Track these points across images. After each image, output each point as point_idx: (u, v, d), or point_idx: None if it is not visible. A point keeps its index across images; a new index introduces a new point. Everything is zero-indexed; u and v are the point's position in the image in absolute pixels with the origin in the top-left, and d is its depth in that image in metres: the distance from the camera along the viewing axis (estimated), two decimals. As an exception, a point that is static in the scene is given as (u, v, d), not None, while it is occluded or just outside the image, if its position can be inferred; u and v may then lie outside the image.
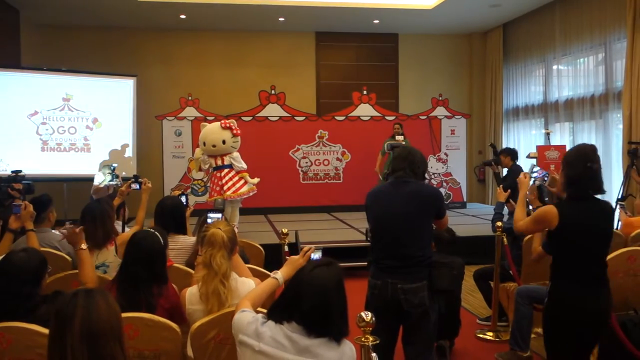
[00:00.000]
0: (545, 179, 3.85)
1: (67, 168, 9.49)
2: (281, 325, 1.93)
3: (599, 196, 2.83)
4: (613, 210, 3.06)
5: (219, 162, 6.94)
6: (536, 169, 3.92)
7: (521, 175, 3.51)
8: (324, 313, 1.91)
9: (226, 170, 6.91)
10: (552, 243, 2.90)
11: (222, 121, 7.05)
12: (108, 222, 3.55)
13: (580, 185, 2.78)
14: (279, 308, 2.00)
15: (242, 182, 6.85)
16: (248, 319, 2.02)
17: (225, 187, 6.73)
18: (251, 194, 7.00)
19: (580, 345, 2.80)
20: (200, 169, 7.53)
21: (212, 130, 6.95)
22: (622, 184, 7.40)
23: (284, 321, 1.93)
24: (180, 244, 3.56)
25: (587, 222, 2.76)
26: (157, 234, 2.75)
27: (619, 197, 7.37)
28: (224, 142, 6.86)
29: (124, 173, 9.68)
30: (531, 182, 3.75)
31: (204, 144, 6.95)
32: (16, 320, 2.28)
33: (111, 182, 5.66)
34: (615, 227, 5.27)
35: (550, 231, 2.82)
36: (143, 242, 2.66)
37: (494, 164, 6.66)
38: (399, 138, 8.39)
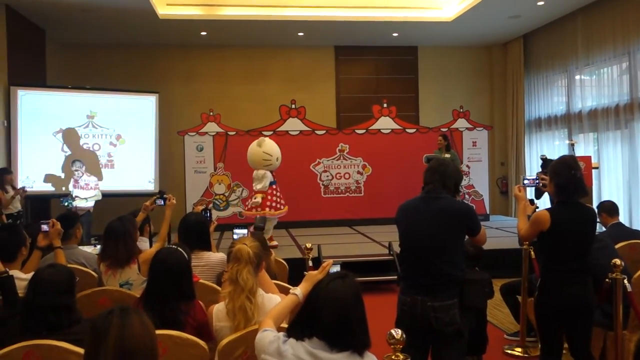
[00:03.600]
0: (536, 181, 3.98)
1: (91, 184, 9.60)
2: (302, 342, 1.91)
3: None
4: (595, 215, 3.29)
5: (273, 177, 7.36)
6: (528, 177, 4.00)
7: (516, 189, 3.61)
8: (343, 326, 1.89)
9: (274, 187, 7.31)
10: (542, 242, 3.21)
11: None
12: (130, 241, 3.54)
13: (567, 191, 3.15)
14: (298, 325, 1.98)
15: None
16: (269, 338, 2.00)
17: (279, 203, 7.24)
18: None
19: (567, 330, 3.17)
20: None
21: (277, 148, 7.37)
22: None
23: (305, 337, 1.91)
24: (205, 261, 3.56)
25: (573, 225, 3.11)
26: (181, 250, 2.75)
27: None
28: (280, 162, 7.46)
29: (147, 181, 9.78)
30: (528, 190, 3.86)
31: (277, 159, 7.31)
32: (59, 335, 2.30)
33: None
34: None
35: (542, 231, 3.13)
36: (168, 259, 2.66)
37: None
38: (436, 153, 8.65)
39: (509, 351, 4.56)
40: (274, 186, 7.35)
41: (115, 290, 3.25)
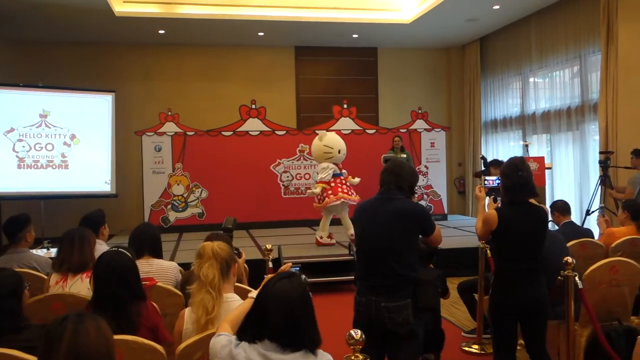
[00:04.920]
0: (497, 182, 4.02)
1: (44, 185, 9.34)
2: (255, 345, 1.89)
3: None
4: (545, 214, 3.34)
5: (339, 169, 7.50)
6: (488, 178, 4.07)
7: (476, 190, 3.70)
8: (292, 325, 1.88)
9: (342, 178, 7.44)
10: (494, 241, 3.32)
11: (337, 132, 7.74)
12: (86, 248, 3.42)
13: (514, 191, 3.21)
14: (249, 328, 1.96)
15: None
16: (222, 342, 1.98)
17: (351, 191, 7.38)
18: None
19: (522, 327, 3.24)
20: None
21: (342, 141, 7.56)
22: (593, 194, 7.42)
23: (256, 340, 1.89)
24: (157, 266, 3.50)
25: (521, 224, 3.17)
26: (124, 250, 2.72)
27: (588, 208, 7.36)
28: (344, 154, 7.63)
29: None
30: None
31: (339, 151, 7.43)
32: (6, 341, 2.21)
33: None
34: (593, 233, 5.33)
35: (492, 231, 3.23)
36: (113, 262, 2.63)
37: (483, 176, 6.73)
38: (390, 154, 8.73)
39: (466, 348, 4.65)
40: (341, 177, 7.48)
41: (68, 295, 3.14)
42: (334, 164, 7.44)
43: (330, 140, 7.51)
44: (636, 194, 6.37)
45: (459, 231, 9.09)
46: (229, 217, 4.23)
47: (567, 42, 8.96)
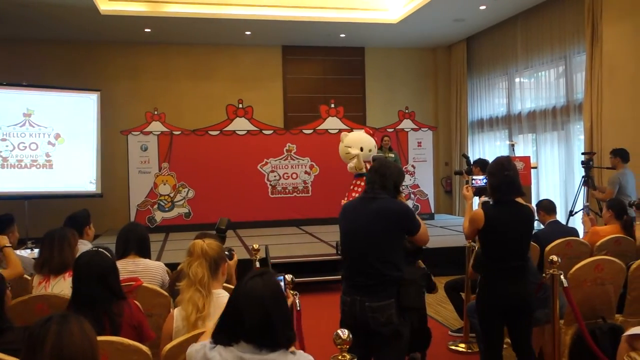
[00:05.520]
0: (484, 181, 3.98)
1: (28, 185, 9.24)
2: (231, 347, 1.85)
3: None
4: (532, 213, 3.36)
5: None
6: (476, 177, 4.07)
7: (464, 189, 3.73)
8: (266, 325, 1.84)
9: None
10: (480, 240, 3.34)
11: (365, 129, 7.52)
12: (67, 249, 3.38)
13: (501, 190, 3.22)
14: (223, 331, 1.91)
15: None
16: (196, 347, 1.96)
17: None
18: None
19: (508, 326, 3.26)
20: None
21: (367, 138, 7.18)
22: (575, 195, 7.46)
23: (232, 342, 1.86)
24: (142, 267, 3.47)
25: (507, 223, 3.19)
26: (103, 250, 2.70)
27: (571, 209, 7.39)
28: (370, 150, 7.22)
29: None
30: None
31: (361, 149, 7.05)
32: None
33: None
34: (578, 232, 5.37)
35: (479, 230, 3.24)
36: (92, 262, 2.60)
37: (464, 174, 6.73)
38: (379, 154, 8.59)
39: (453, 347, 4.66)
40: (362, 177, 6.98)
41: (53, 296, 3.11)
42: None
43: (349, 140, 7.21)
44: (616, 194, 6.43)
45: (446, 230, 9.13)
46: (222, 218, 4.18)
47: (553, 43, 9.03)
